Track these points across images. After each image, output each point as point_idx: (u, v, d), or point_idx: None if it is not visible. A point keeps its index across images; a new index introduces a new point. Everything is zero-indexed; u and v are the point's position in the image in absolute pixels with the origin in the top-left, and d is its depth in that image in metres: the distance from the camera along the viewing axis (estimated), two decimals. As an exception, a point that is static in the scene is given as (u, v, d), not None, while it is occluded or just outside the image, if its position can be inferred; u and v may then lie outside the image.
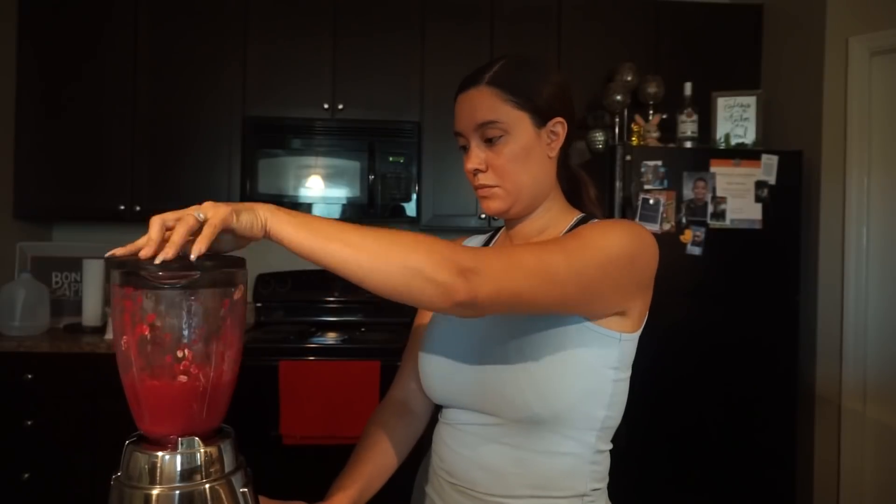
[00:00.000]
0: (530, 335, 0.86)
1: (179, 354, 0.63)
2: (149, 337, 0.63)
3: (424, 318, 1.10)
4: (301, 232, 0.67)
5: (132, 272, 0.62)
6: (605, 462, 0.93)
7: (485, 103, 0.92)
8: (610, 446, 0.94)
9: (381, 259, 0.68)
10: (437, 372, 0.96)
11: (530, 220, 0.99)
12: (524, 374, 0.85)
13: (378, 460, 1.00)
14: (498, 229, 1.10)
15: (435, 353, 0.97)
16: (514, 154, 0.92)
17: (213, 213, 0.64)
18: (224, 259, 0.66)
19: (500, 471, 0.88)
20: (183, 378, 0.63)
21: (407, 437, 1.06)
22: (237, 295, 0.68)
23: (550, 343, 0.85)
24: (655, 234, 2.36)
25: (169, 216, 0.64)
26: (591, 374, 0.86)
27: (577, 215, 0.99)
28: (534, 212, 0.98)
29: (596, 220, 0.95)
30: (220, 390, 0.67)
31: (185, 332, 0.63)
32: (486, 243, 1.09)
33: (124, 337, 0.63)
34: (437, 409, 1.03)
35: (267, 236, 0.68)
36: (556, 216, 0.99)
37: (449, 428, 0.95)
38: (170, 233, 0.63)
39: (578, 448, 0.88)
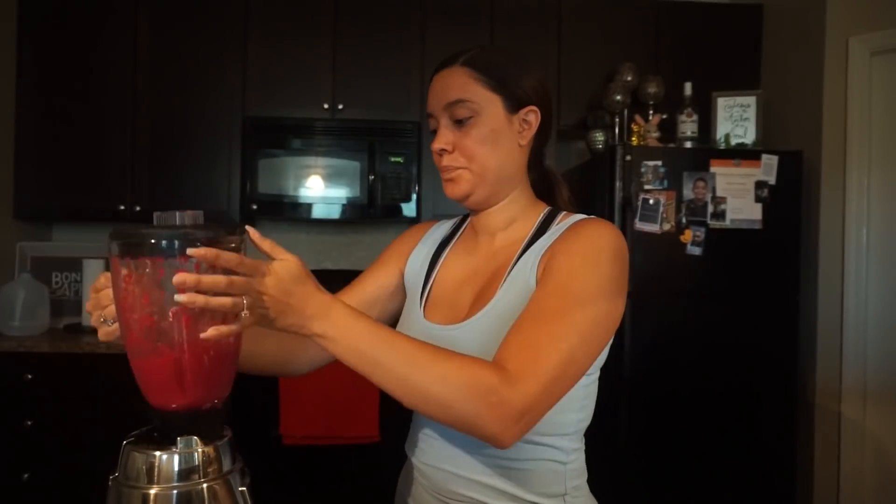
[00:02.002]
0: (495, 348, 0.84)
1: (182, 322, 0.62)
2: (152, 307, 0.62)
3: (384, 272, 1.06)
4: (358, 364, 0.71)
5: (130, 242, 0.62)
6: (580, 458, 0.93)
7: (457, 82, 0.91)
8: (583, 443, 0.94)
9: (438, 407, 0.72)
10: None
11: (496, 211, 0.97)
12: None
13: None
14: (466, 216, 1.07)
15: None
16: (482, 136, 0.91)
17: (250, 311, 0.64)
18: (220, 225, 0.66)
19: (477, 479, 0.88)
20: (187, 346, 0.62)
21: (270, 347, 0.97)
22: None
23: None
24: (655, 234, 2.38)
25: (240, 280, 0.63)
26: None
27: (545, 209, 0.98)
28: (499, 202, 0.96)
29: (565, 224, 0.92)
30: (226, 357, 0.66)
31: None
32: (452, 233, 1.06)
33: (125, 308, 0.63)
34: (408, 417, 1.01)
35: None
36: (523, 209, 0.97)
37: (424, 437, 0.94)
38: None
39: (554, 454, 0.89)
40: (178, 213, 0.64)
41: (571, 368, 0.77)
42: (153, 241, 0.61)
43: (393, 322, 1.03)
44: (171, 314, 0.62)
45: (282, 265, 0.67)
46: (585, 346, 0.79)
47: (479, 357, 0.75)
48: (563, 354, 0.76)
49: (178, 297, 0.60)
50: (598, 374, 0.93)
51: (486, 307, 0.88)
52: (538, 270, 0.87)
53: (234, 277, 0.62)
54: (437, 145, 0.93)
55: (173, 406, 0.65)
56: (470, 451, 0.88)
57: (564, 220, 0.93)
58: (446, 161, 0.93)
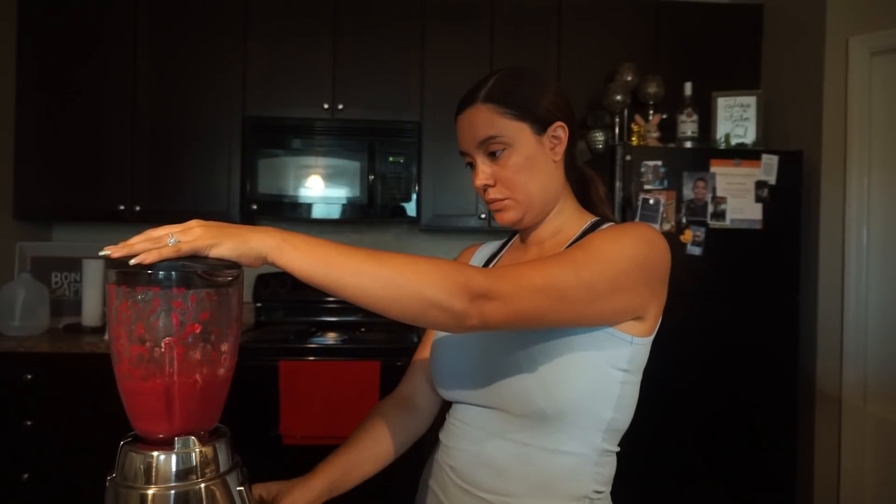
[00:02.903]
0: (539, 332, 0.86)
1: (174, 354, 0.63)
2: (145, 336, 0.63)
3: None
4: (312, 264, 0.67)
5: (127, 271, 0.62)
6: (610, 465, 0.92)
7: (483, 120, 0.93)
8: (616, 449, 0.93)
9: (396, 290, 0.69)
10: (446, 366, 0.98)
11: (543, 225, 1.00)
12: (530, 369, 0.85)
13: (367, 448, 1.02)
14: (514, 233, 1.11)
15: (445, 348, 0.99)
16: (518, 165, 0.93)
17: (184, 239, 0.64)
18: (218, 258, 0.66)
19: (502, 467, 0.89)
20: (177, 377, 0.63)
21: (405, 428, 1.07)
22: (232, 294, 0.68)
23: (558, 340, 0.86)
24: (655, 234, 2.38)
25: (157, 232, 0.65)
26: (597, 373, 0.86)
27: (591, 219, 1.00)
28: (547, 216, 0.99)
29: (607, 226, 0.95)
30: (215, 389, 0.67)
31: (180, 331, 0.63)
32: (501, 249, 1.11)
33: (118, 336, 0.63)
34: (445, 408, 1.04)
35: (271, 264, 0.67)
36: (569, 218, 1.00)
37: (456, 423, 0.97)
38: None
39: (582, 448, 0.88)
40: None
41: (554, 291, 0.76)
42: (149, 271, 0.61)
43: None
44: (163, 345, 0.62)
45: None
46: (581, 288, 0.78)
47: (520, 347, 0.83)
48: (547, 277, 0.76)
49: (106, 251, 0.63)
50: (639, 376, 0.93)
51: None
52: None
53: (154, 230, 0.65)
54: (479, 182, 0.95)
55: (160, 435, 0.65)
56: (498, 436, 0.90)
57: (608, 226, 0.95)
58: (491, 195, 0.95)
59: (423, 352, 1.11)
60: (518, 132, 0.92)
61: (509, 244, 1.11)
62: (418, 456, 1.09)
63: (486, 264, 1.09)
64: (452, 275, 0.71)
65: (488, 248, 1.14)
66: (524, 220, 0.97)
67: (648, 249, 0.85)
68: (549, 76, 1.01)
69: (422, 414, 1.10)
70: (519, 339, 0.88)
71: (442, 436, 1.01)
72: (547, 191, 0.96)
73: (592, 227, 0.97)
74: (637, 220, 2.36)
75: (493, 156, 0.93)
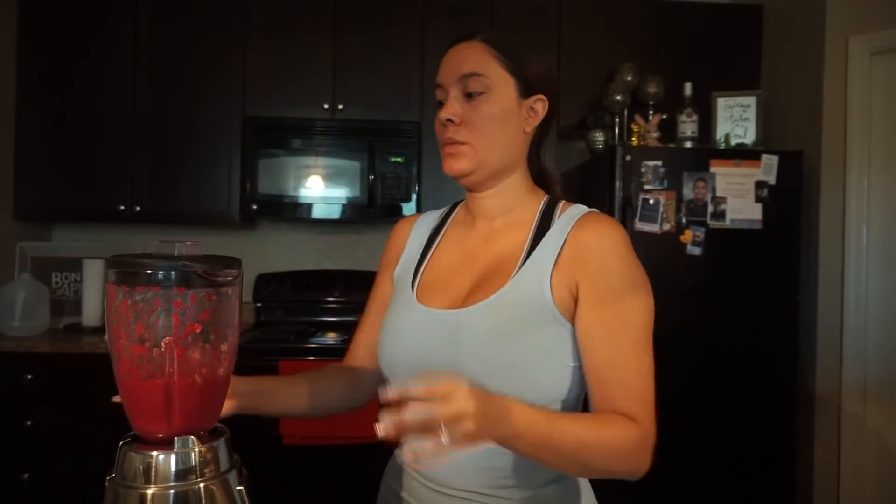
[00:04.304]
0: (513, 334, 0.85)
1: (174, 354, 0.63)
2: (145, 336, 0.63)
3: (384, 289, 1.07)
4: (536, 451, 0.74)
5: (127, 271, 0.62)
6: None
7: (473, 56, 0.91)
8: None
9: (590, 472, 0.86)
10: (406, 363, 0.92)
11: (493, 195, 0.96)
12: (506, 371, 0.84)
13: (291, 391, 0.99)
14: (455, 204, 1.07)
15: (404, 345, 0.93)
16: (492, 114, 0.90)
17: (456, 438, 0.63)
18: (218, 258, 0.66)
19: (474, 465, 0.87)
20: (177, 377, 0.63)
21: (332, 398, 1.03)
22: (232, 294, 0.68)
23: (531, 341, 0.85)
24: (655, 234, 2.38)
25: (422, 407, 0.63)
26: (562, 367, 0.87)
27: (544, 197, 0.98)
28: (496, 185, 0.96)
29: (583, 213, 0.92)
30: (215, 389, 0.67)
31: (180, 331, 0.63)
32: (442, 222, 1.06)
33: (118, 336, 0.63)
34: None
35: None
36: (522, 196, 0.97)
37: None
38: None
39: None
40: (176, 244, 0.64)
41: (652, 376, 0.86)
42: (149, 271, 0.61)
43: None
44: (163, 345, 0.62)
45: (460, 386, 0.66)
46: (651, 351, 0.87)
47: (489, 344, 0.83)
48: (651, 379, 0.85)
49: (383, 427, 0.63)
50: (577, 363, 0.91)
51: (498, 294, 0.88)
52: (552, 279, 0.87)
53: (430, 407, 0.63)
54: (444, 114, 0.91)
55: (159, 435, 0.65)
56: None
57: (565, 212, 0.94)
58: (451, 132, 0.91)
59: (369, 332, 1.06)
60: (503, 83, 0.91)
61: (451, 217, 1.06)
62: (380, 459, 1.06)
63: (429, 242, 1.03)
64: (635, 453, 0.81)
65: (427, 221, 1.08)
66: (474, 175, 0.93)
67: (634, 254, 0.89)
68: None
69: (359, 396, 1.06)
70: (492, 337, 0.86)
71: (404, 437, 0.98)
72: (507, 153, 0.93)
73: (547, 210, 0.95)
74: (637, 220, 2.36)
75: (469, 97, 0.90)
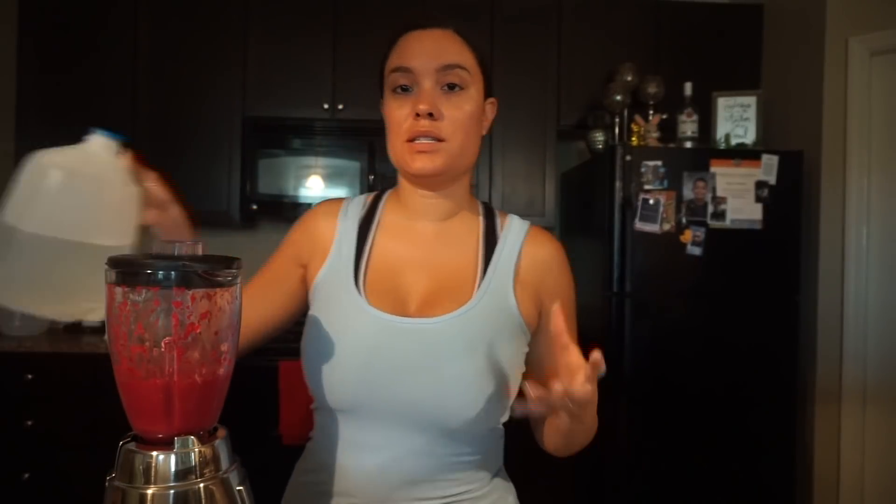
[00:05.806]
0: (489, 345, 0.84)
1: (174, 354, 0.63)
2: (145, 336, 0.63)
3: (282, 271, 0.95)
4: (585, 429, 0.86)
5: (127, 270, 0.62)
6: (502, 435, 0.95)
7: (455, 47, 0.84)
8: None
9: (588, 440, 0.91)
10: (353, 380, 0.83)
11: (444, 196, 0.90)
12: (475, 387, 0.82)
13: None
14: (380, 193, 0.97)
15: (351, 358, 0.84)
16: (471, 112, 0.85)
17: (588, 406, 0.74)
18: (218, 258, 0.66)
19: (418, 479, 0.83)
20: (177, 377, 0.63)
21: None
22: (232, 294, 0.68)
23: (506, 352, 0.86)
24: (655, 234, 2.38)
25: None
26: (517, 372, 0.89)
27: (479, 204, 0.97)
28: (450, 187, 0.90)
29: (525, 228, 0.94)
30: (215, 389, 0.67)
31: (180, 331, 0.63)
32: (371, 212, 0.95)
33: (118, 336, 0.63)
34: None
35: None
36: (466, 200, 0.94)
37: (357, 442, 0.85)
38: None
39: (488, 444, 0.91)
40: (176, 244, 0.64)
41: None
42: (149, 271, 0.61)
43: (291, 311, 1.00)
44: (163, 345, 0.62)
45: (589, 387, 0.72)
46: None
47: (466, 353, 0.83)
48: None
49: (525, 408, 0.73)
50: None
51: (468, 305, 0.85)
52: (515, 294, 0.88)
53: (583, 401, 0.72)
54: (425, 106, 0.81)
55: (159, 435, 0.65)
56: (417, 453, 0.85)
57: (507, 224, 0.94)
58: (430, 127, 0.82)
59: (274, 272, 0.96)
60: (476, 80, 0.86)
61: (381, 206, 0.95)
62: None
63: (361, 237, 0.92)
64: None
65: (351, 212, 0.94)
66: (443, 176, 0.86)
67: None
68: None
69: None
70: (468, 347, 0.83)
71: (325, 455, 0.87)
72: (472, 157, 0.88)
73: (488, 218, 0.94)
74: (637, 220, 2.36)
75: (450, 88, 0.83)
